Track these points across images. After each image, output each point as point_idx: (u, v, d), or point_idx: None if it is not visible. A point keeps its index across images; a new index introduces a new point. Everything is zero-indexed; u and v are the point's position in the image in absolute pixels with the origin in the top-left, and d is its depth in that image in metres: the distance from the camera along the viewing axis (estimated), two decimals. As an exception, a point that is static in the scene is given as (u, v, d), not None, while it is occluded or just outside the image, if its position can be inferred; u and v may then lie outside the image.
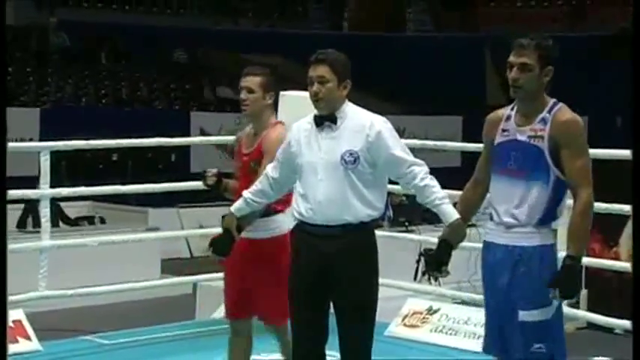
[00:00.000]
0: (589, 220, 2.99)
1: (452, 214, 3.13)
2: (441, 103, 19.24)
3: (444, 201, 3.13)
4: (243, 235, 3.62)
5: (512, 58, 3.02)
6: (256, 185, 3.36)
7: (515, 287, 2.97)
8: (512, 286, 2.98)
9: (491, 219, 3.08)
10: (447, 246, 3.16)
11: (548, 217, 2.99)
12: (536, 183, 2.97)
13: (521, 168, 2.98)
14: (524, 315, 2.94)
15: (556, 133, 2.96)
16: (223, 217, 3.45)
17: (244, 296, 3.72)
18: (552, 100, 3.05)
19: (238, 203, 3.38)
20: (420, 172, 3.14)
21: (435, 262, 3.17)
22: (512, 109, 3.10)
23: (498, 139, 3.07)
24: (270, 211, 3.61)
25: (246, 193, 3.37)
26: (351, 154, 3.10)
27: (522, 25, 20.98)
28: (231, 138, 9.39)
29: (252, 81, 3.68)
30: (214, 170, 3.83)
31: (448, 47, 21.18)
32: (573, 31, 19.74)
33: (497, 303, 3.03)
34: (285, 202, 3.58)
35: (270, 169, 3.32)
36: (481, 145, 5.82)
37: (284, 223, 3.65)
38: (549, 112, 3.00)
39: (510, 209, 2.99)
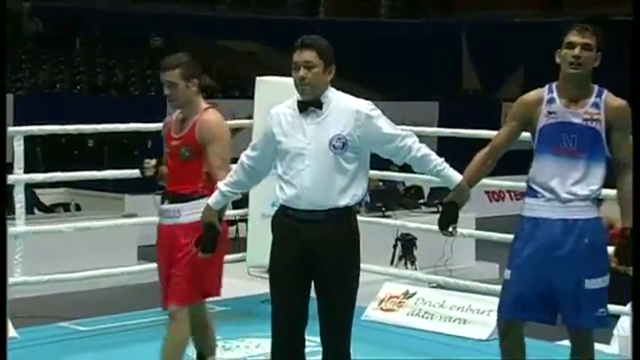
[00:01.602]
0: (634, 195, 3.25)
1: (456, 176, 3.24)
2: (418, 88, 19.28)
3: (445, 165, 3.22)
4: (164, 221, 3.66)
5: (574, 38, 3.21)
6: (231, 176, 3.34)
7: (580, 257, 3.19)
8: (575, 256, 3.19)
9: (535, 196, 3.25)
10: (454, 206, 3.30)
11: (600, 192, 3.27)
12: (595, 162, 3.22)
13: (579, 149, 3.20)
14: (590, 283, 3.19)
15: (611, 117, 3.21)
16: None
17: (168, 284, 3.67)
18: (596, 86, 3.26)
19: (216, 197, 3.35)
20: (414, 143, 3.19)
21: (445, 222, 3.32)
22: (550, 91, 3.28)
23: (545, 121, 3.24)
24: (194, 196, 3.59)
25: (222, 187, 3.34)
26: (339, 138, 3.11)
27: (498, 12, 21.07)
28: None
29: (171, 74, 3.60)
30: (153, 161, 3.77)
31: (424, 33, 21.22)
32: (549, 17, 19.84)
33: (555, 273, 3.19)
34: (211, 187, 3.51)
35: (245, 159, 3.30)
36: (457, 130, 5.87)
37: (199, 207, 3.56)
38: (598, 96, 3.23)
39: (567, 186, 3.21)
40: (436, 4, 22.38)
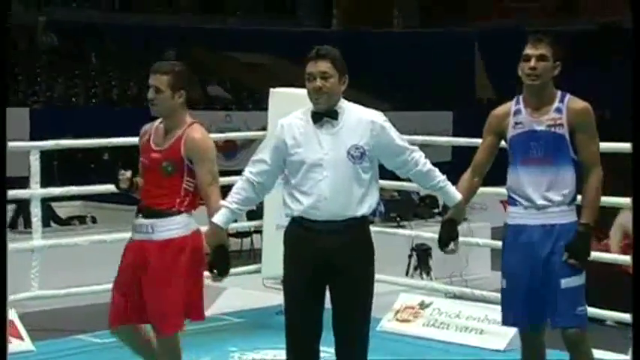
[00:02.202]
0: (600, 194, 3.36)
1: (456, 194, 3.33)
2: (431, 98, 19.26)
3: (447, 183, 3.29)
4: (135, 236, 3.49)
5: (530, 50, 3.31)
6: (238, 193, 3.23)
7: (556, 258, 3.27)
8: (552, 257, 3.27)
9: (515, 204, 3.35)
10: (453, 224, 3.39)
11: (574, 195, 3.34)
12: (564, 166, 3.30)
13: (546, 155, 3.29)
14: (566, 282, 3.25)
15: (573, 120, 3.28)
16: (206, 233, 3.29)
17: (134, 303, 3.48)
18: (559, 91, 3.34)
19: (224, 216, 3.20)
20: (420, 157, 3.24)
21: (447, 239, 3.39)
22: (517, 103, 3.38)
23: (512, 132, 3.35)
24: (170, 211, 3.44)
25: (231, 204, 3.20)
26: (357, 148, 3.13)
27: (511, 20, 21.03)
28: (222, 136, 9.39)
29: (159, 80, 3.44)
30: (128, 173, 3.56)
31: (437, 42, 21.22)
32: (561, 25, 19.79)
33: (537, 275, 3.28)
34: (190, 203, 3.44)
35: (250, 175, 3.22)
36: (471, 140, 5.88)
37: (188, 224, 3.46)
38: (561, 101, 3.31)
39: (542, 193, 3.30)
40: (448, 13, 22.38)
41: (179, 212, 3.45)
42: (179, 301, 3.42)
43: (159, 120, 3.58)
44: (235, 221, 3.43)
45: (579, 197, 3.39)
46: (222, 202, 3.27)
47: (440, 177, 3.28)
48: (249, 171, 3.24)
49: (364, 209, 3.16)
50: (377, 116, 3.20)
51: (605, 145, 4.91)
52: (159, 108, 3.50)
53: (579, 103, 3.33)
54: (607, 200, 4.80)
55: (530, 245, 3.32)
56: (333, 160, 3.11)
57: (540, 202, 3.31)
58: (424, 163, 3.24)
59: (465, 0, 22.44)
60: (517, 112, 3.37)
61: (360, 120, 3.16)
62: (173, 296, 3.38)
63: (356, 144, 3.12)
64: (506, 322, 3.47)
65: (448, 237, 3.39)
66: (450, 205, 3.38)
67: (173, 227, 3.43)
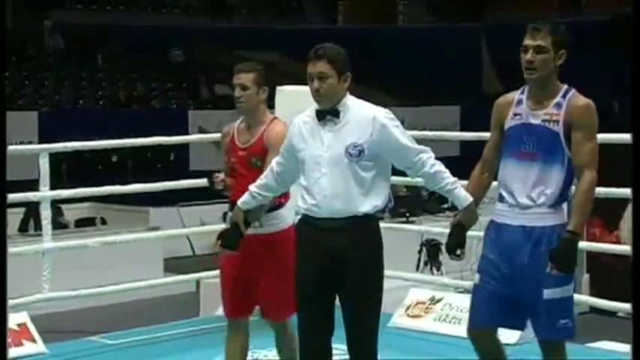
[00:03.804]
0: (592, 200, 3.11)
1: (466, 197, 3.17)
2: (439, 93, 19.23)
3: (456, 185, 3.16)
4: (249, 231, 3.60)
5: (527, 41, 3.09)
6: (261, 179, 3.36)
7: (537, 267, 3.06)
8: (533, 265, 3.07)
9: (502, 201, 3.16)
10: (461, 229, 3.22)
11: (561, 197, 3.12)
12: (553, 165, 3.08)
13: (537, 151, 3.08)
14: (549, 293, 3.05)
15: (571, 117, 3.07)
16: (225, 213, 3.45)
17: (245, 294, 3.71)
18: (565, 86, 3.14)
19: (245, 197, 3.37)
20: (429, 159, 3.14)
21: (454, 246, 3.24)
22: (522, 93, 3.19)
23: (510, 123, 3.15)
24: (272, 205, 3.59)
25: (252, 187, 3.36)
26: (355, 146, 3.10)
27: (516, 13, 20.96)
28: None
29: (245, 77, 3.67)
30: (222, 175, 3.79)
31: (444, 37, 21.17)
32: (567, 17, 19.71)
33: (515, 280, 3.10)
34: (286, 194, 3.59)
35: (274, 164, 3.33)
36: (479, 134, 5.85)
37: (286, 216, 3.66)
38: (563, 97, 3.10)
39: (527, 191, 3.09)
40: (454, 8, 22.32)
41: (280, 205, 3.63)
42: (286, 290, 3.51)
43: (239, 120, 3.77)
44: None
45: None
46: (249, 187, 3.39)
47: (448, 179, 3.14)
48: (275, 160, 3.35)
49: (367, 208, 3.12)
50: (380, 113, 3.15)
51: (612, 137, 4.93)
52: (245, 105, 3.69)
53: (581, 100, 3.11)
54: (617, 192, 4.79)
55: (509, 247, 3.13)
56: (331, 157, 3.11)
57: (523, 200, 3.11)
58: (432, 165, 3.13)
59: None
60: (519, 102, 3.17)
61: (362, 117, 3.13)
62: (287, 285, 3.46)
63: (355, 142, 3.10)
64: (473, 319, 3.25)
65: (456, 243, 3.23)
66: (459, 208, 3.22)
67: (277, 221, 3.61)
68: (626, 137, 4.66)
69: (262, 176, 3.37)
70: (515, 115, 3.15)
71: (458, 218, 3.23)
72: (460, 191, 3.16)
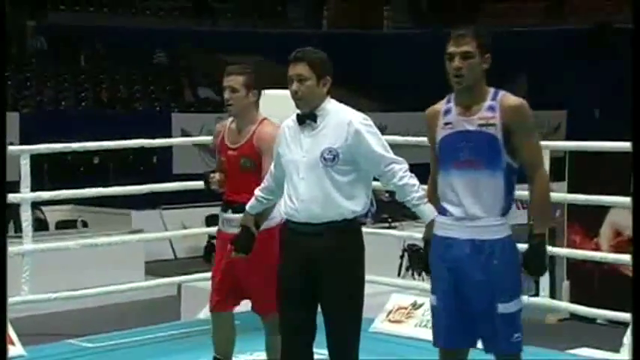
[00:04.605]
0: (549, 198, 3.04)
1: (430, 213, 3.11)
2: (424, 98, 19.27)
3: (422, 200, 3.12)
4: (229, 230, 3.69)
5: (452, 48, 3.00)
6: (265, 182, 3.41)
7: (491, 281, 2.97)
8: (487, 280, 2.97)
9: (445, 214, 3.04)
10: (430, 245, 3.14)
11: (507, 206, 3.01)
12: (494, 172, 2.97)
13: (477, 158, 2.97)
14: (503, 307, 2.97)
15: (508, 118, 2.96)
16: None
17: (232, 290, 3.78)
18: (492, 88, 3.03)
19: (252, 202, 3.41)
20: (400, 170, 3.12)
21: (423, 262, 3.20)
22: (448, 101, 3.07)
23: (442, 134, 3.04)
24: None
25: (257, 191, 3.41)
26: (330, 151, 3.10)
27: (497, 20, 21.07)
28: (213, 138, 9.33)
29: (235, 80, 3.72)
30: (217, 175, 3.82)
31: (427, 43, 21.24)
32: (549, 25, 19.85)
33: (469, 297, 3.01)
34: None
35: (272, 167, 3.36)
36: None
37: (275, 213, 3.66)
38: (494, 99, 2.99)
39: (470, 202, 2.98)
40: (438, 14, 22.43)
41: None
42: (272, 285, 3.54)
43: (230, 119, 3.81)
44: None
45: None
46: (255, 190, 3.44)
47: (415, 193, 3.11)
48: (272, 163, 3.37)
49: (345, 213, 3.12)
50: (356, 118, 3.14)
51: (593, 144, 4.96)
52: (235, 107, 3.74)
53: (513, 100, 2.98)
54: (598, 199, 4.83)
55: (461, 262, 2.99)
56: (308, 162, 3.12)
57: (470, 210, 2.96)
58: (401, 177, 3.11)
59: (455, 1, 22.48)
60: (447, 111, 3.04)
61: (339, 122, 3.13)
62: (273, 280, 3.49)
63: (330, 147, 3.10)
64: (437, 342, 3.11)
65: (424, 260, 3.16)
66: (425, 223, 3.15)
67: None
68: (607, 145, 4.71)
69: (265, 179, 3.42)
70: (445, 124, 3.03)
71: (424, 235, 3.17)
72: (425, 207, 3.11)
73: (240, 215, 3.63)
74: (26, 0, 18.29)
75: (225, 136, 3.79)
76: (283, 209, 3.21)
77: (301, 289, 3.16)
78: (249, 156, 3.69)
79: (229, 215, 3.78)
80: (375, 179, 3.29)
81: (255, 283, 3.71)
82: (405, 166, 3.16)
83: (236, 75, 3.72)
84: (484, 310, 2.99)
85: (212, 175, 3.84)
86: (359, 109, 3.27)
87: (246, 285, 3.75)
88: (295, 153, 3.16)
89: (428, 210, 3.12)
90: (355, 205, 3.14)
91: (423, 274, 7.61)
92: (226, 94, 3.74)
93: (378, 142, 3.14)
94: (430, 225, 3.12)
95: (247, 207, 3.43)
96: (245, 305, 3.93)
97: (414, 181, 3.14)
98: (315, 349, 3.24)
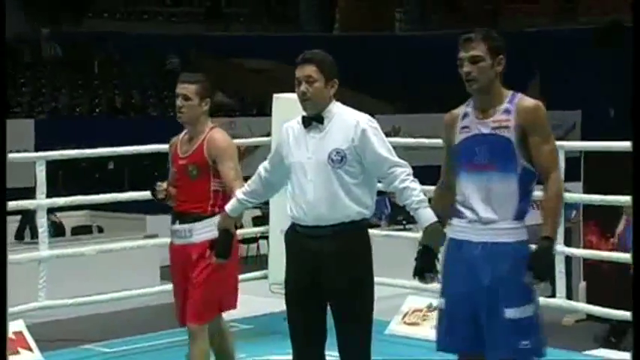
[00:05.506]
0: (562, 202, 3.04)
1: (428, 218, 3.08)
2: (436, 100, 19.26)
3: (422, 205, 3.09)
4: (176, 241, 3.74)
5: (461, 54, 3.01)
6: (249, 186, 3.36)
7: (499, 285, 2.93)
8: (495, 283, 2.93)
9: (460, 216, 3.02)
10: (427, 251, 3.12)
11: (522, 210, 2.99)
12: (507, 175, 2.95)
13: (490, 161, 2.96)
14: (510, 312, 2.91)
15: (523, 121, 2.95)
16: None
17: (184, 302, 3.77)
18: (510, 92, 3.03)
19: (232, 205, 3.36)
20: (401, 173, 3.11)
21: (419, 270, 3.13)
22: (467, 105, 3.07)
23: (459, 137, 3.03)
24: (204, 214, 3.67)
25: (239, 194, 3.36)
26: (337, 152, 3.10)
27: (510, 20, 21.03)
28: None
29: (188, 89, 3.73)
30: (164, 184, 3.83)
31: (438, 46, 21.21)
32: (562, 25, 19.77)
33: (478, 300, 2.96)
34: (222, 203, 3.60)
35: (262, 170, 3.32)
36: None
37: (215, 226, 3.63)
38: (510, 102, 2.99)
39: (484, 205, 2.96)
40: (448, 16, 22.39)
41: (213, 214, 3.67)
42: (215, 296, 3.68)
43: (184, 131, 3.84)
44: (241, 226, 3.49)
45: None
46: (236, 192, 3.41)
47: (415, 197, 3.08)
48: (262, 166, 3.35)
49: (352, 214, 3.11)
50: (362, 120, 3.14)
51: (609, 144, 4.93)
52: (186, 115, 3.76)
53: (529, 102, 2.97)
54: (614, 199, 4.79)
55: (472, 266, 2.95)
56: (315, 164, 3.11)
57: (484, 214, 2.94)
58: (403, 180, 3.09)
59: (465, 3, 22.45)
60: (465, 115, 3.04)
61: (346, 123, 3.13)
62: (209, 291, 3.60)
63: (337, 148, 3.10)
64: (441, 345, 3.08)
65: (421, 267, 3.11)
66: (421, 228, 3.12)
67: (209, 229, 3.62)
68: (622, 145, 4.67)
69: (249, 182, 3.37)
70: (463, 128, 3.03)
71: (422, 240, 3.14)
72: (424, 211, 3.08)
73: (187, 226, 3.69)
74: (41, 8, 18.41)
75: (178, 146, 3.81)
76: (289, 213, 3.18)
77: (309, 292, 3.15)
78: (196, 163, 3.69)
79: (176, 226, 3.77)
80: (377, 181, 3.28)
81: (190, 296, 3.70)
82: (408, 169, 3.15)
83: (189, 84, 3.73)
84: (491, 315, 2.93)
85: (159, 183, 3.83)
86: (374, 112, 3.26)
87: (185, 294, 3.73)
88: (301, 155, 3.15)
89: (426, 215, 3.08)
90: (362, 206, 3.14)
91: (439, 276, 7.59)
92: (178, 102, 3.74)
93: (382, 145, 3.14)
94: (427, 230, 3.09)
95: (228, 210, 3.36)
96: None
97: (416, 185, 3.13)
98: (326, 352, 3.22)
